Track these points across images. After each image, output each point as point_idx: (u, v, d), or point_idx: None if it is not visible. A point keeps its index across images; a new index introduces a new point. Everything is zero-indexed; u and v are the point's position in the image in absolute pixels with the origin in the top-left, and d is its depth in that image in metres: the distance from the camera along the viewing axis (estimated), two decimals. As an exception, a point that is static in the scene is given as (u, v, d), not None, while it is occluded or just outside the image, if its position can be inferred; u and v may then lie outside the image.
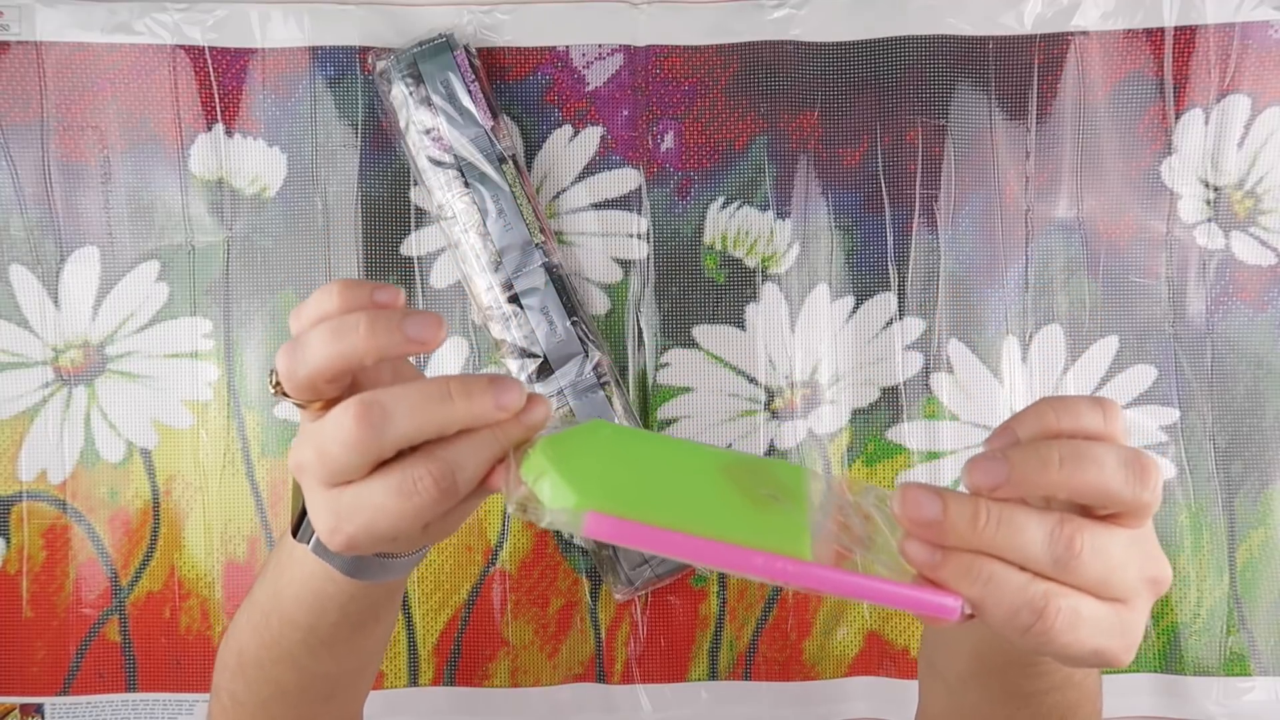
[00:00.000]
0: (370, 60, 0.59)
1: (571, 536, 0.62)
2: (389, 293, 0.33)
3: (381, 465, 0.32)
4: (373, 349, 0.32)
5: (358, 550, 0.33)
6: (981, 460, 0.31)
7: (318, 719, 0.45)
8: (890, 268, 0.61)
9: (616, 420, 0.58)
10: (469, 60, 0.58)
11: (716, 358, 0.62)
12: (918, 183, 0.61)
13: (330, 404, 0.33)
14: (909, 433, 0.62)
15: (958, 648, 0.42)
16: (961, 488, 0.32)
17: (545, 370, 0.58)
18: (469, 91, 0.58)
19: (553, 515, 0.30)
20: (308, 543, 0.37)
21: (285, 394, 0.33)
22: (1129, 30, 0.60)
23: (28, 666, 0.62)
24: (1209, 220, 0.61)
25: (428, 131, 0.58)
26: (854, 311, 0.62)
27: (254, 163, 0.61)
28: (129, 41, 0.60)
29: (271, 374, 0.34)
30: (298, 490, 0.38)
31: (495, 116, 0.58)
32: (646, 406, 0.62)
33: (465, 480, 0.32)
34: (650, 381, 0.62)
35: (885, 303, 0.61)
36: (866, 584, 0.30)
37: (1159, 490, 0.31)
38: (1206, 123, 0.60)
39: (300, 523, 0.38)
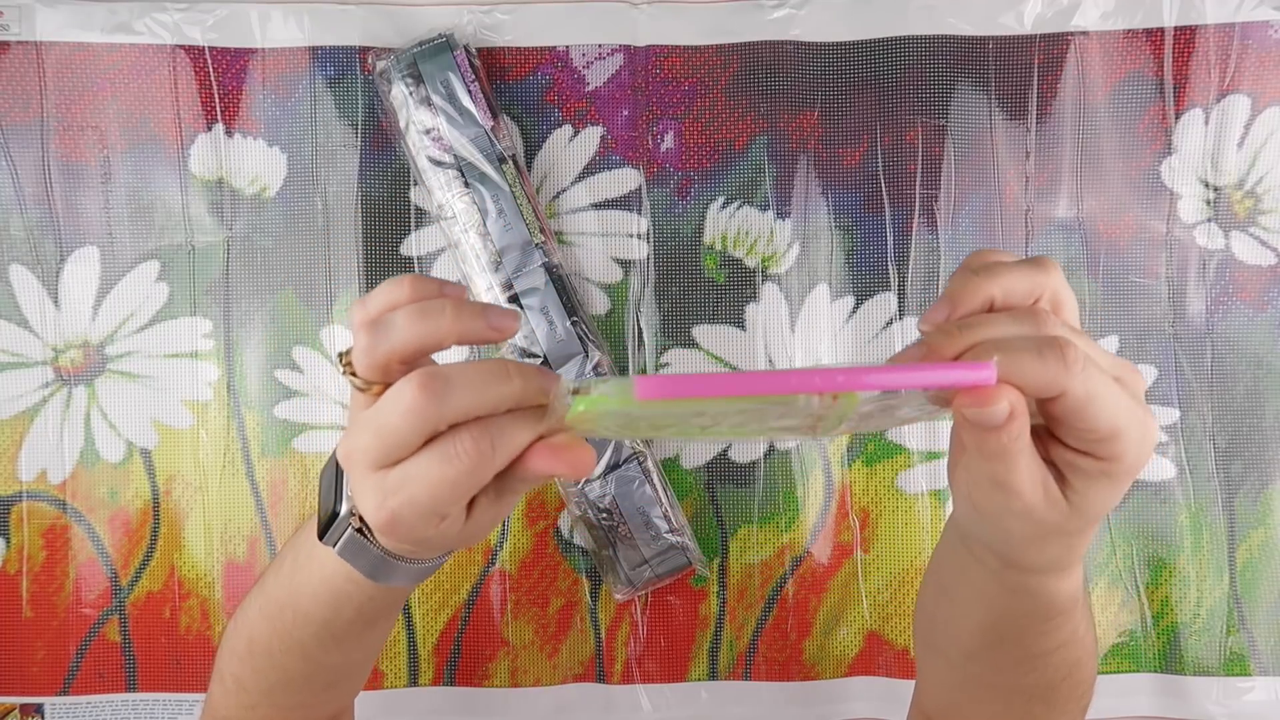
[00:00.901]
0: (370, 60, 0.59)
1: (572, 534, 0.62)
2: (457, 287, 0.35)
3: (427, 443, 0.33)
4: (455, 332, 0.33)
5: (399, 528, 0.34)
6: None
7: (318, 706, 0.46)
8: (890, 268, 0.61)
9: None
10: (469, 60, 0.58)
11: (716, 358, 0.62)
12: (918, 183, 0.61)
13: (384, 390, 0.34)
14: (909, 433, 0.62)
15: (964, 624, 0.42)
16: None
17: (545, 370, 0.58)
18: (469, 91, 0.58)
19: (603, 405, 0.31)
20: (334, 545, 0.38)
21: (354, 374, 0.34)
22: (1129, 30, 0.60)
23: (28, 666, 0.62)
24: (1209, 220, 0.61)
25: (428, 131, 0.58)
26: (854, 311, 0.62)
27: (254, 163, 0.61)
28: (129, 41, 0.60)
29: (342, 354, 0.35)
30: (324, 495, 0.40)
31: (495, 116, 0.58)
32: (646, 406, 0.61)
33: (503, 449, 0.33)
34: (650, 381, 0.61)
35: (885, 303, 0.61)
36: (914, 372, 0.30)
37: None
38: (1206, 123, 0.60)
39: (328, 526, 0.39)
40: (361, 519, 0.37)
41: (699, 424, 0.33)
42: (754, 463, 0.62)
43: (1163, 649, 0.62)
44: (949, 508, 0.62)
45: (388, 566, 0.38)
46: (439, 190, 0.58)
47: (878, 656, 0.62)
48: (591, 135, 0.61)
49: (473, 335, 0.34)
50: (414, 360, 0.34)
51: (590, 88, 0.61)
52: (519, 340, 0.58)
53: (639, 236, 0.62)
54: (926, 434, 0.62)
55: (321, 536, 0.39)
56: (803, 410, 0.30)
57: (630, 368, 0.61)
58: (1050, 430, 0.34)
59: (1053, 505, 0.34)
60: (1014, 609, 0.40)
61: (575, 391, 0.32)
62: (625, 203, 0.61)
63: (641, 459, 0.59)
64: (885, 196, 0.61)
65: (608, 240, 0.62)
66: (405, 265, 0.61)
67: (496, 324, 0.34)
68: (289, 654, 0.42)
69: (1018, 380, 0.31)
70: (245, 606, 0.45)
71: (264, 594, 0.43)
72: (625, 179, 0.61)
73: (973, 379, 0.30)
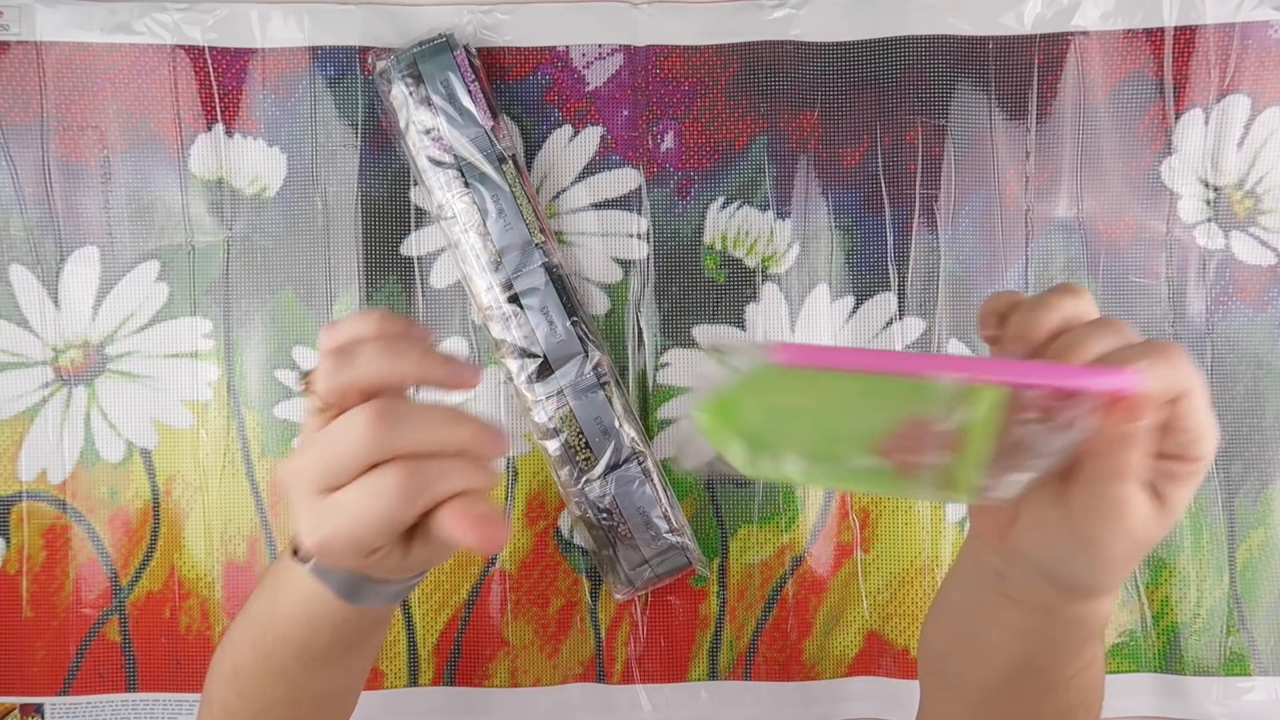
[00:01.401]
0: (370, 60, 0.59)
1: (572, 534, 0.62)
2: (423, 330, 0.36)
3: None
4: (417, 374, 0.34)
5: (333, 555, 0.34)
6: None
7: None
8: (890, 268, 0.61)
9: (617, 420, 0.59)
10: (469, 60, 0.58)
11: (716, 358, 0.62)
12: (918, 183, 0.61)
13: (338, 415, 0.34)
14: (909, 433, 0.62)
15: (991, 662, 0.42)
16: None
17: (545, 370, 0.58)
18: (469, 91, 0.58)
19: (734, 361, 0.30)
20: (307, 564, 0.39)
21: (313, 392, 0.35)
22: (1129, 30, 0.60)
23: (28, 666, 0.62)
24: (1209, 220, 0.61)
25: (428, 131, 0.58)
26: (854, 311, 0.62)
27: (254, 163, 0.61)
28: (129, 41, 0.60)
29: (305, 374, 0.35)
30: None
31: (495, 116, 0.58)
32: (646, 406, 0.62)
33: (430, 493, 0.33)
34: (650, 381, 0.62)
35: (885, 303, 0.61)
36: (1056, 368, 0.31)
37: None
38: (1206, 123, 0.60)
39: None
40: None
41: (835, 452, 0.31)
42: (754, 463, 0.62)
43: (1163, 649, 0.62)
44: (950, 508, 0.62)
45: (358, 587, 0.38)
46: (439, 190, 0.58)
47: (878, 656, 0.62)
48: (591, 135, 0.61)
49: (435, 380, 0.34)
50: (373, 393, 0.34)
51: (590, 88, 0.61)
52: (519, 340, 0.58)
53: (639, 236, 0.62)
54: (926, 434, 0.62)
55: (296, 553, 0.39)
56: (942, 396, 0.29)
57: (630, 368, 0.61)
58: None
59: (1151, 517, 0.34)
60: (1053, 639, 0.39)
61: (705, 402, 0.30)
62: (625, 203, 0.61)
63: (641, 459, 0.59)
64: (885, 196, 0.61)
65: (608, 240, 0.62)
66: (405, 265, 0.61)
67: (458, 375, 0.35)
68: (273, 678, 0.42)
69: (1157, 387, 0.31)
70: (230, 632, 0.45)
71: (247, 618, 0.44)
72: (625, 179, 0.61)
73: (1122, 385, 0.30)
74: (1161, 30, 0.60)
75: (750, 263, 0.62)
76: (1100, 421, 0.31)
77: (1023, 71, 0.61)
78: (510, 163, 0.58)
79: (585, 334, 0.59)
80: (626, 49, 0.61)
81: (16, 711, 0.62)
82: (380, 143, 0.61)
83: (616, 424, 0.59)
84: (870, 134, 0.61)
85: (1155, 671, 0.62)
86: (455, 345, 0.61)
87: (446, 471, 0.33)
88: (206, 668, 0.47)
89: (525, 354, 0.59)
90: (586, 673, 0.62)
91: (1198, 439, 0.32)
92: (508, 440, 0.35)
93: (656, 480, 0.59)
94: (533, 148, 0.61)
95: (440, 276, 0.61)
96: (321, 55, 0.60)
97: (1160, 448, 0.33)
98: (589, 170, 0.61)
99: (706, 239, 0.62)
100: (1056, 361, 0.33)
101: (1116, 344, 0.32)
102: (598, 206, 0.61)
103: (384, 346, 0.34)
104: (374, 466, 0.33)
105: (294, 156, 0.61)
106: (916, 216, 0.61)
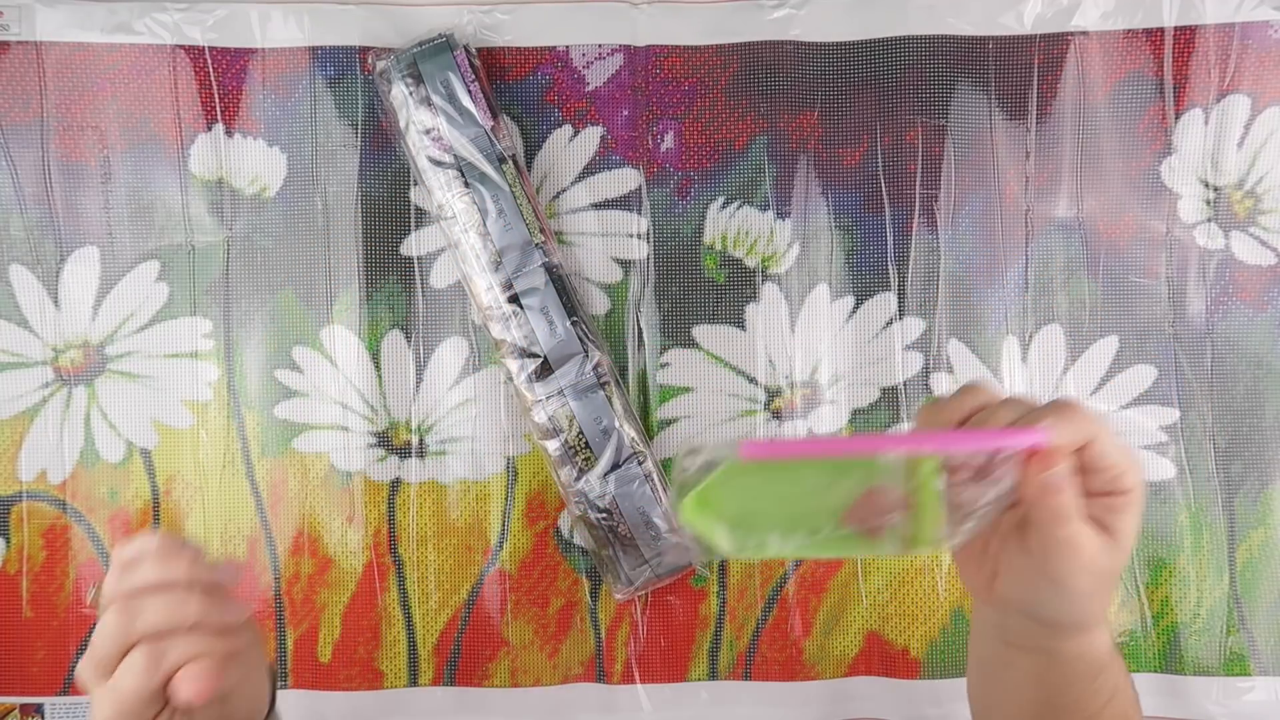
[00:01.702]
0: (370, 60, 0.59)
1: (572, 534, 0.62)
2: (195, 546, 0.42)
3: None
4: (186, 578, 0.40)
5: None
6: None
7: None
8: (890, 268, 0.61)
9: (617, 420, 0.59)
10: (469, 60, 0.58)
11: (716, 358, 0.62)
12: (918, 183, 0.61)
13: None
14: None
15: (1018, 706, 0.44)
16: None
17: (545, 370, 0.58)
18: (469, 91, 0.58)
19: (706, 467, 0.36)
20: None
21: (103, 600, 0.41)
22: (1129, 30, 0.60)
23: (28, 666, 0.62)
24: (1209, 220, 0.61)
25: (428, 131, 0.58)
26: (854, 311, 0.62)
27: (254, 163, 0.61)
28: (129, 41, 0.60)
29: (96, 588, 0.42)
30: None
31: (495, 116, 0.58)
32: (646, 406, 0.62)
33: (165, 664, 0.39)
34: (650, 381, 0.62)
35: (885, 303, 0.61)
36: (977, 434, 0.37)
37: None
38: (1206, 123, 0.60)
39: None
40: None
41: (808, 527, 0.36)
42: (754, 463, 0.62)
43: (1163, 649, 0.62)
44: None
45: None
46: (439, 190, 0.58)
47: (878, 656, 0.62)
48: (591, 135, 0.61)
49: (200, 582, 0.40)
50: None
51: (590, 88, 0.61)
52: (519, 340, 0.58)
53: (639, 236, 0.62)
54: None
55: None
56: (889, 469, 0.35)
57: (630, 368, 0.61)
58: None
59: (1104, 548, 0.38)
60: (1064, 677, 0.42)
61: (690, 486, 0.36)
62: (625, 203, 0.61)
63: (641, 459, 0.59)
64: (885, 196, 0.61)
65: (608, 240, 0.62)
66: (405, 265, 0.61)
67: (222, 576, 0.42)
68: None
69: (1061, 439, 0.36)
70: None
71: None
72: (625, 179, 0.61)
73: (1034, 441, 0.35)
74: (1161, 30, 0.60)
75: (750, 263, 0.62)
76: (1023, 473, 0.36)
77: (1023, 71, 0.61)
78: (510, 163, 0.58)
79: (585, 334, 0.59)
80: (626, 49, 0.61)
81: (16, 711, 0.62)
82: (380, 143, 0.61)
83: (616, 424, 0.59)
84: (870, 134, 0.61)
85: (1155, 671, 0.62)
86: (455, 345, 0.61)
87: (177, 644, 0.39)
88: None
89: (525, 354, 0.59)
90: (587, 672, 0.62)
91: (1121, 474, 0.37)
92: (240, 607, 0.41)
93: (656, 480, 0.59)
94: (533, 148, 0.61)
95: (440, 276, 0.61)
96: (321, 55, 0.60)
97: (1092, 487, 0.37)
98: (589, 170, 0.61)
99: (706, 239, 0.62)
100: (975, 430, 0.38)
101: (1022, 413, 0.37)
102: (598, 206, 0.61)
103: (173, 603, 0.40)
104: (131, 649, 0.39)
105: (294, 156, 0.61)
106: (916, 216, 0.61)
